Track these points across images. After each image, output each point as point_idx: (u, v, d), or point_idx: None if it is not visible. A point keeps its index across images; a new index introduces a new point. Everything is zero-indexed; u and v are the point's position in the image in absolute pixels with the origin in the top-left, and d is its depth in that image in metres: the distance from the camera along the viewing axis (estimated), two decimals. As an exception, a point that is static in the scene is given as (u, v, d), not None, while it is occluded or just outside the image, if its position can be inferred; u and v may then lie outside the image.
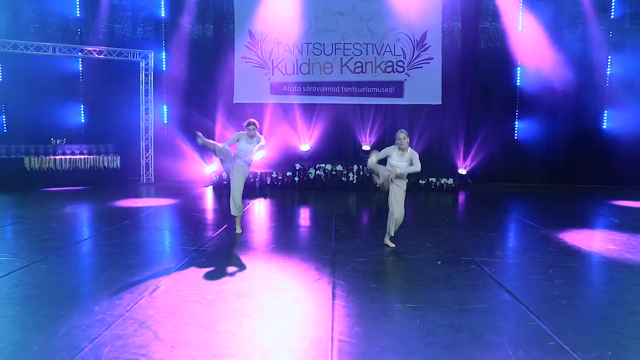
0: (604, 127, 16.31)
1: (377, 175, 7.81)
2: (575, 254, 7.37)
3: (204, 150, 16.38)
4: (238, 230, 8.58)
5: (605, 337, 4.46)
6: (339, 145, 16.56)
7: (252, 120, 8.26)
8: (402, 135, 7.65)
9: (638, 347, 4.25)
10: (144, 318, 4.66)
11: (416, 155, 7.71)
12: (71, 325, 4.48)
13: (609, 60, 16.02)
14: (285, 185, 14.89)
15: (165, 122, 16.87)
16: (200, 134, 7.80)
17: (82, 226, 9.42)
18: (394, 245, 7.76)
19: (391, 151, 7.76)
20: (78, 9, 16.20)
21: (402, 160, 7.64)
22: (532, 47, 16.06)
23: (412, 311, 4.97)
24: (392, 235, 7.80)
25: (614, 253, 7.51)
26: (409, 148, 7.71)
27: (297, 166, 15.04)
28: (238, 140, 8.25)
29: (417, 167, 7.70)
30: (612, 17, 15.96)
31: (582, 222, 10.28)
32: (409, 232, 8.76)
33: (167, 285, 5.68)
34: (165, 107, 16.82)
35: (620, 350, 4.17)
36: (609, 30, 16.00)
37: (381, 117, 16.46)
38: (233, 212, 8.41)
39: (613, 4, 15.93)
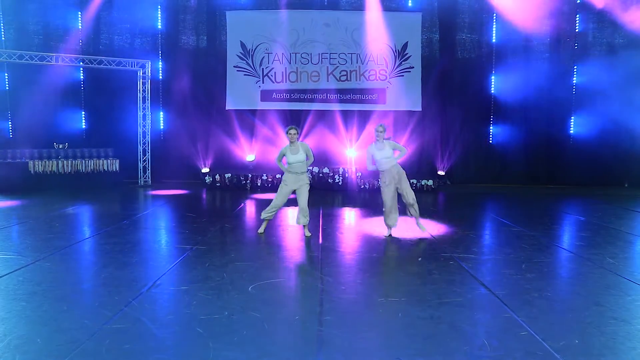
0: (571, 132, 16.45)
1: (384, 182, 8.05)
2: (545, 250, 7.42)
3: (200, 154, 16.41)
4: (307, 233, 8.26)
5: (573, 326, 4.50)
6: (325, 148, 16.57)
7: (292, 126, 8.01)
8: (380, 129, 7.90)
9: (602, 334, 4.29)
10: (142, 313, 4.64)
11: (394, 143, 8.06)
12: (73, 320, 4.46)
13: (574, 70, 16.16)
14: (276, 187, 14.84)
15: (162, 127, 16.79)
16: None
17: (83, 226, 9.35)
18: (426, 228, 8.33)
19: (372, 150, 7.98)
20: (80, 21, 16.08)
21: (383, 152, 7.88)
22: (505, 58, 16.18)
23: (395, 305, 4.99)
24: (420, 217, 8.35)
25: (579, 248, 7.58)
26: (385, 140, 7.94)
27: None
28: (284, 156, 8.01)
29: (403, 150, 8.16)
30: (576, 30, 16.11)
31: (552, 220, 10.36)
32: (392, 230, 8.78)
33: (164, 281, 5.66)
34: (161, 113, 16.74)
35: (586, 338, 4.22)
36: (574, 43, 16.16)
37: (365, 122, 16.50)
38: (303, 221, 8.08)
39: (577, 18, 16.08)
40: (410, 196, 8.08)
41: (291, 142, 7.98)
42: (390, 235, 8.23)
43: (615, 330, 4.38)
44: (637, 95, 15.56)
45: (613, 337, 4.24)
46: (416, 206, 8.22)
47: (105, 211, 10.89)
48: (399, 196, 8.18)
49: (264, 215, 8.27)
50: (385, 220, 8.24)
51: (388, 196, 8.00)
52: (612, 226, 9.41)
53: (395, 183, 7.99)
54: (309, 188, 8.12)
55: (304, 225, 8.25)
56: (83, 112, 16.47)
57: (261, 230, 8.43)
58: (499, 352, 3.93)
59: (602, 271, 6.29)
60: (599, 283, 5.82)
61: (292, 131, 7.94)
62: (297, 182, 8.02)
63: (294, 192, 8.13)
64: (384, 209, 8.18)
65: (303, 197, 8.01)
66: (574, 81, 16.23)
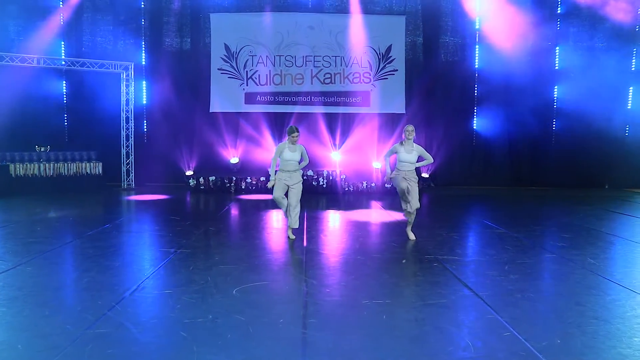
0: (553, 134, 16.63)
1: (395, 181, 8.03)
2: (528, 252, 7.49)
3: (184, 157, 16.33)
4: (292, 236, 8.21)
5: (554, 326, 4.54)
6: (310, 151, 16.52)
7: (294, 126, 7.95)
8: (410, 129, 8.01)
9: (583, 334, 4.35)
10: (125, 317, 4.61)
11: (422, 149, 8.16)
12: (55, 325, 4.40)
13: (557, 71, 16.36)
14: (259, 190, 14.82)
15: (145, 130, 16.68)
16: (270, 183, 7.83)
17: (65, 230, 9.25)
18: (414, 237, 8.17)
19: (398, 147, 7.99)
20: (61, 22, 15.92)
21: (410, 156, 7.94)
22: (488, 61, 16.32)
23: (379, 307, 5.00)
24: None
25: (561, 250, 7.66)
26: (414, 144, 8.04)
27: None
28: (281, 152, 7.88)
29: (429, 159, 8.32)
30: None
31: (535, 221, 10.46)
32: (376, 232, 8.81)
33: (148, 285, 5.62)
34: (145, 115, 16.62)
35: (568, 338, 4.26)
36: (555, 46, 16.38)
37: (349, 125, 16.54)
38: (293, 224, 8.03)
39: (558, 22, 16.29)
40: (415, 204, 7.96)
41: (292, 144, 7.90)
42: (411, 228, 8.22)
43: (596, 330, 4.44)
44: (617, 99, 15.85)
45: (594, 337, 4.29)
46: (414, 214, 8.16)
47: (87, 215, 10.78)
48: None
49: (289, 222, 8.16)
50: (404, 210, 8.15)
51: (401, 183, 7.90)
52: (593, 227, 9.53)
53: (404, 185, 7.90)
54: (301, 188, 8.07)
55: (290, 227, 8.21)
56: (65, 115, 16.30)
57: (290, 235, 8.29)
58: (483, 353, 3.95)
59: (583, 272, 6.37)
60: (580, 283, 5.88)
61: (295, 134, 7.87)
62: (291, 180, 7.95)
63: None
64: (402, 199, 8.09)
65: (295, 195, 7.95)
66: (557, 82, 16.42)
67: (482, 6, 16.11)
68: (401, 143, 8.00)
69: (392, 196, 14.32)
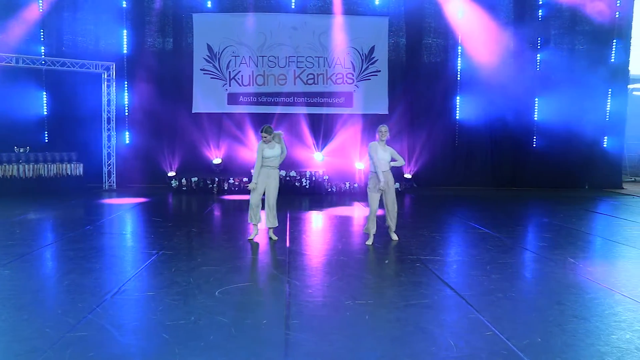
0: (534, 135, 16.80)
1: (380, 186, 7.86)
2: (510, 251, 7.56)
3: (166, 158, 16.22)
4: (274, 237, 8.18)
5: (536, 325, 4.60)
6: (293, 152, 16.54)
7: (266, 126, 7.86)
8: (383, 129, 7.94)
9: (563, 332, 4.41)
10: (107, 320, 4.56)
11: (393, 150, 8.07)
12: (34, 329, 4.35)
13: (538, 72, 16.54)
14: (242, 191, 14.76)
15: (127, 131, 16.53)
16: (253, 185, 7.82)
17: (45, 232, 9.14)
18: (397, 238, 8.16)
19: (376, 146, 7.86)
20: (41, 21, 15.68)
21: (385, 154, 7.85)
22: (470, 62, 16.44)
23: (362, 307, 5.02)
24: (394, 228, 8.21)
25: (542, 249, 7.75)
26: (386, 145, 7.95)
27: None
28: (262, 151, 7.83)
29: (401, 161, 8.11)
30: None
31: (516, 222, 10.57)
32: (359, 233, 8.84)
33: (130, 287, 5.57)
34: (127, 116, 16.47)
35: (548, 336, 4.32)
36: (537, 46, 16.57)
37: (332, 126, 16.55)
38: (271, 223, 8.01)
39: (539, 21, 16.50)
40: (393, 206, 7.98)
41: (264, 143, 7.85)
42: (372, 243, 7.91)
43: (576, 328, 4.50)
44: (596, 101, 16.07)
45: (574, 335, 4.36)
46: (396, 217, 8.14)
47: (68, 216, 10.66)
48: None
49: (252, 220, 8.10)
50: (368, 226, 7.98)
51: (375, 201, 7.83)
52: (573, 227, 9.65)
53: (384, 188, 7.81)
54: (278, 186, 8.04)
55: (270, 228, 8.19)
56: (46, 115, 16.09)
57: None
58: (465, 352, 3.99)
59: (564, 271, 6.45)
60: (560, 283, 5.96)
61: (263, 134, 7.80)
62: (271, 177, 7.92)
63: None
64: (369, 215, 7.93)
65: (273, 195, 7.93)
66: (538, 84, 16.57)
67: (464, 8, 16.20)
68: (380, 142, 7.91)
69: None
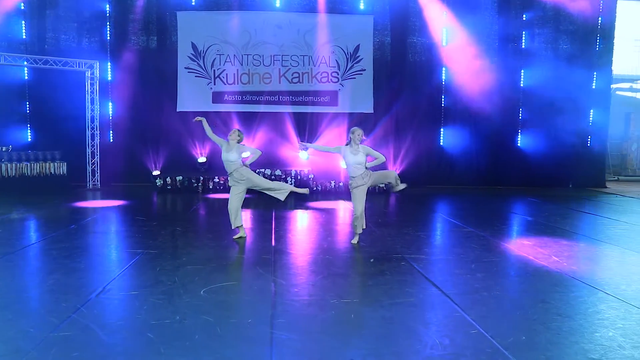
0: (519, 134, 16.94)
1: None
2: (494, 250, 7.63)
3: (150, 156, 16.11)
4: (243, 234, 8.26)
5: (520, 323, 4.65)
6: (278, 151, 16.53)
7: (236, 129, 8.17)
8: (357, 132, 7.51)
9: (547, 330, 4.46)
10: (91, 319, 4.53)
11: (369, 148, 7.66)
12: (18, 329, 4.31)
13: (522, 73, 16.68)
14: (227, 189, 14.67)
15: (111, 129, 16.39)
16: (200, 118, 8.22)
17: (28, 231, 9.05)
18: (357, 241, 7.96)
19: (345, 152, 7.58)
20: (24, 19, 15.52)
21: (356, 158, 7.49)
22: (455, 61, 16.53)
23: (347, 306, 5.04)
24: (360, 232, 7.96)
25: (526, 248, 7.82)
26: (360, 145, 7.55)
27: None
28: (221, 145, 8.14)
29: (380, 158, 7.73)
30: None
31: (501, 220, 10.65)
32: (344, 231, 8.86)
33: (114, 286, 5.54)
34: (110, 115, 16.33)
35: (532, 334, 4.37)
36: (521, 47, 16.71)
37: (317, 124, 16.55)
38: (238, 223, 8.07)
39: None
40: (362, 207, 7.72)
41: (228, 144, 8.13)
42: (358, 242, 7.89)
43: (560, 326, 4.56)
44: (580, 101, 16.24)
45: (558, 333, 4.41)
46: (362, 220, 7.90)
47: (52, 216, 10.55)
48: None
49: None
50: (353, 226, 7.90)
51: (359, 200, 7.60)
52: (557, 226, 9.75)
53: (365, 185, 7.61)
54: (242, 187, 8.14)
55: (241, 227, 8.24)
56: (28, 114, 15.88)
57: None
58: (450, 351, 4.02)
59: (547, 269, 6.52)
60: (544, 281, 6.03)
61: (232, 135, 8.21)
62: (232, 181, 8.14)
63: (249, 191, 8.33)
64: (354, 215, 7.77)
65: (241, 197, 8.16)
66: (522, 84, 16.73)
67: (448, 7, 16.30)
68: (347, 144, 7.61)
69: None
